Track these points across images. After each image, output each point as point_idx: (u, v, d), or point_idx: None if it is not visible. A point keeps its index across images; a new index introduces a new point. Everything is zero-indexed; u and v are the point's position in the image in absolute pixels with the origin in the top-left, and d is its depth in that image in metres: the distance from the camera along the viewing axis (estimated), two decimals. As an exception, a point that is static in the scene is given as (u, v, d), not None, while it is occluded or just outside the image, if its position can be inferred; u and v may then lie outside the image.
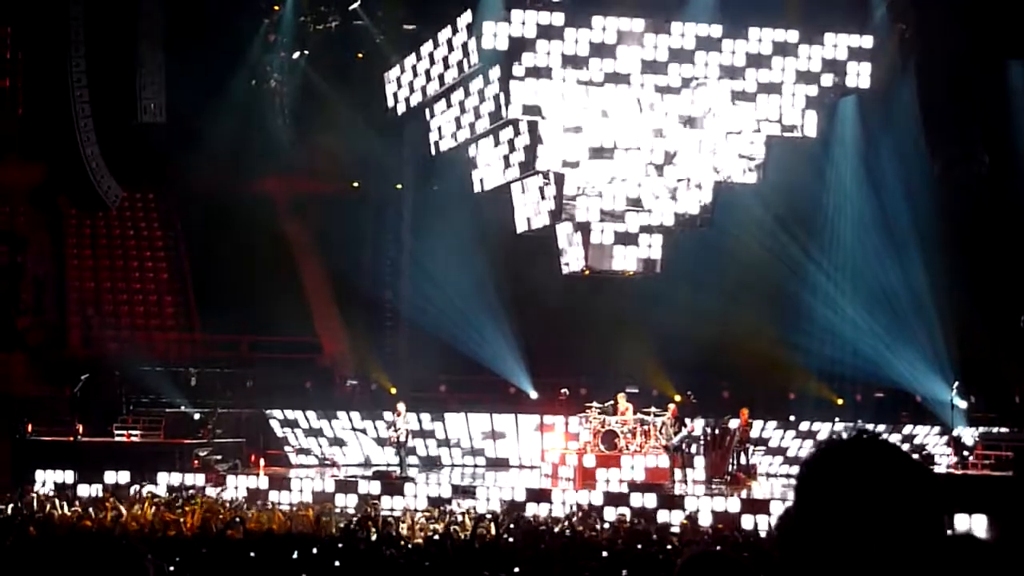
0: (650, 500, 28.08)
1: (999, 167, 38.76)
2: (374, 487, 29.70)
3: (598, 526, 25.03)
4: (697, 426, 32.94)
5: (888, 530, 3.19)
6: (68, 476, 30.23)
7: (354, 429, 36.28)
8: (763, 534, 24.84)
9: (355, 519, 24.16)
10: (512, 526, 23.15)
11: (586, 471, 31.64)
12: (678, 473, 32.02)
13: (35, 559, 3.54)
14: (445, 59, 32.94)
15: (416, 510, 27.54)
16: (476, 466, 36.52)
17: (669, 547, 20.13)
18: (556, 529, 23.53)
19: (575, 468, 32.00)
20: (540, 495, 28.92)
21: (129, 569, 3.53)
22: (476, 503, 28.44)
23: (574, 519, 25.79)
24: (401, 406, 33.64)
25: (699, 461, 33.52)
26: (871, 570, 3.18)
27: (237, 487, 29.89)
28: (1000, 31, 35.89)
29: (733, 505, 27.87)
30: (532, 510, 27.52)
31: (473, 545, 18.79)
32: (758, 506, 27.74)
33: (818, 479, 3.31)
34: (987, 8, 35.18)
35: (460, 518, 24.92)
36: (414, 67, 34.81)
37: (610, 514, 27.41)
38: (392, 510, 27.64)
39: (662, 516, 27.37)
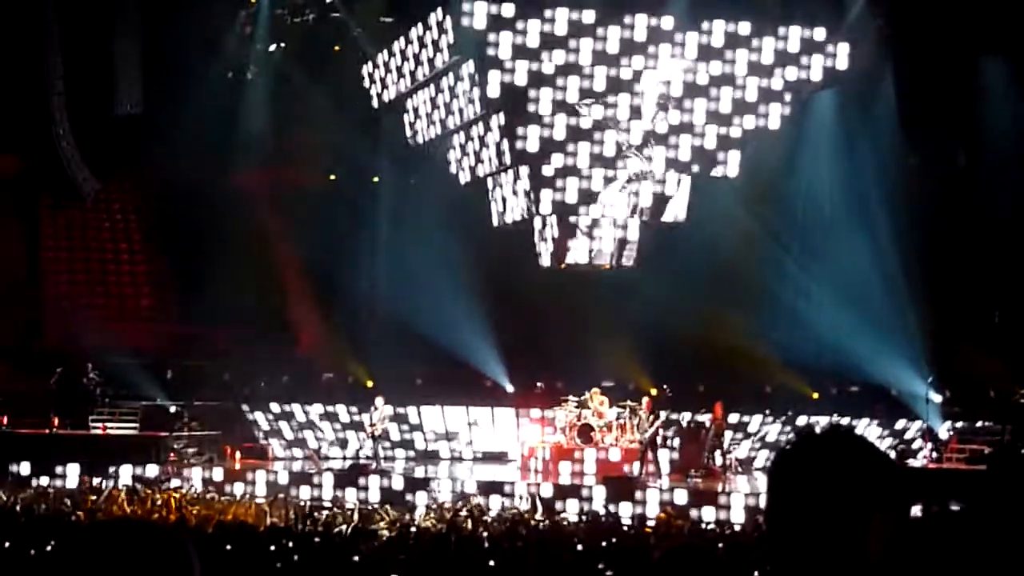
0: (624, 492, 28.12)
1: (975, 162, 38.92)
2: (352, 480, 29.70)
3: (572, 519, 25.08)
4: (665, 418, 32.80)
5: (855, 521, 3.23)
6: (44, 469, 30.09)
7: (326, 419, 36.22)
8: (737, 527, 24.94)
9: (331, 512, 24.19)
10: (488, 519, 23.19)
11: (558, 464, 31.72)
12: (651, 466, 32.04)
13: (79, 546, 3.56)
14: (423, 51, 33.00)
15: (393, 503, 27.58)
16: (451, 459, 36.51)
17: (644, 540, 20.20)
18: (532, 522, 23.57)
19: (547, 461, 32.07)
20: (515, 488, 28.94)
21: (175, 557, 3.55)
22: (452, 496, 28.45)
23: (548, 512, 25.85)
24: (379, 400, 33.63)
25: (673, 454, 33.63)
26: (840, 560, 3.22)
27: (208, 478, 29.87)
28: (976, 27, 36.01)
29: (708, 498, 27.92)
30: (508, 503, 27.54)
31: (449, 538, 18.81)
32: (732, 499, 27.79)
33: (788, 472, 3.35)
34: (963, 4, 35.30)
35: (436, 511, 24.95)
36: (392, 60, 34.86)
37: (582, 506, 27.47)
38: (368, 503, 27.65)
39: (637, 509, 27.41)
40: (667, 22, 31.77)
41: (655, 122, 32.26)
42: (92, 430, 33.45)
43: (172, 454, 32.03)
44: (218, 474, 30.37)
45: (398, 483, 29.60)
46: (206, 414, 35.02)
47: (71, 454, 30.52)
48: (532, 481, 30.00)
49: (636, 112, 32.11)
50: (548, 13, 31.29)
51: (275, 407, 35.91)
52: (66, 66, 37.22)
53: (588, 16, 31.43)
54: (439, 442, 37.03)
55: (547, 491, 28.38)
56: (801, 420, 35.83)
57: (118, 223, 43.33)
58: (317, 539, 17.88)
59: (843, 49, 32.66)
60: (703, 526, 25.26)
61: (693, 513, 27.13)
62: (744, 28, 32.07)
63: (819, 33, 32.44)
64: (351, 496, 28.73)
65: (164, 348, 38.78)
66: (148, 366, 36.42)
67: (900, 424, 36.18)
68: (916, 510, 3.39)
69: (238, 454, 33.60)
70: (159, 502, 24.99)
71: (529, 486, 28.86)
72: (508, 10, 31.22)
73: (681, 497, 27.94)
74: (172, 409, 34.58)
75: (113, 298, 41.49)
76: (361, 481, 29.58)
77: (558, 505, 27.61)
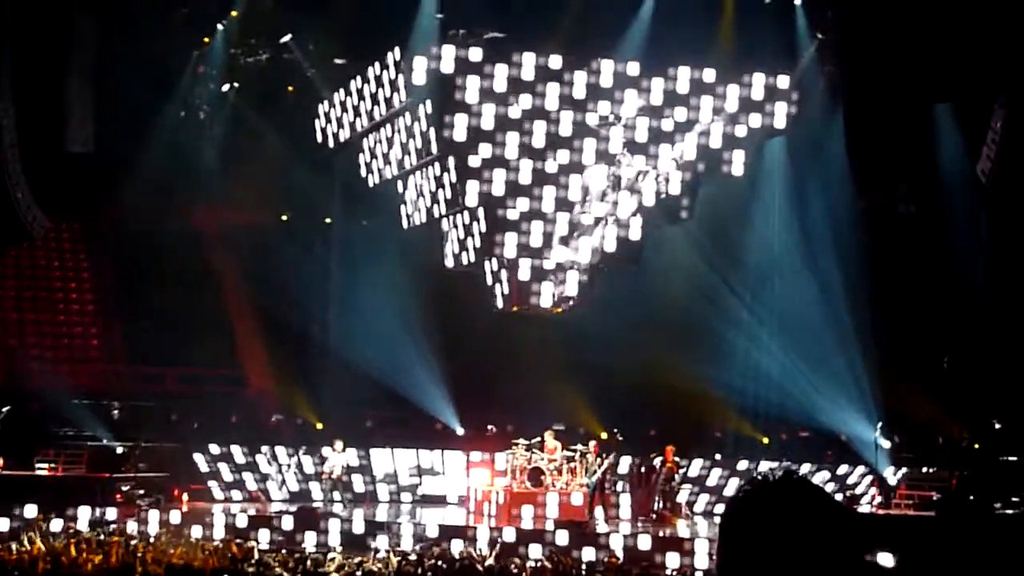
0: (572, 537, 28.00)
1: (925, 209, 39.20)
2: (298, 523, 29.45)
3: (518, 561, 24.95)
4: (622, 462, 32.78)
5: (809, 569, 3.19)
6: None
7: (279, 464, 36.00)
8: (686, 572, 24.90)
9: (275, 556, 23.99)
10: (436, 563, 23.05)
11: (510, 507, 31.59)
12: (599, 511, 31.97)
13: None
14: (376, 94, 33.03)
15: (340, 546, 27.39)
16: (400, 502, 36.33)
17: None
18: (479, 567, 23.43)
19: (499, 505, 31.94)
20: (464, 532, 28.78)
21: None
22: (400, 539, 28.27)
23: (498, 556, 25.71)
24: (339, 443, 33.63)
25: (624, 499, 33.59)
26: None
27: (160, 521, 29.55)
28: (926, 75, 36.32)
29: (657, 543, 27.84)
30: (456, 547, 27.37)
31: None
32: (682, 544, 27.75)
33: (742, 519, 3.31)
34: (914, 52, 35.62)
35: (383, 555, 24.79)
36: (345, 101, 34.88)
37: (533, 551, 27.32)
38: (317, 546, 27.44)
39: (585, 554, 27.28)
40: (633, 68, 31.93)
41: (619, 167, 32.32)
42: (37, 471, 33.09)
43: (119, 495, 31.70)
44: (173, 517, 30.05)
45: (348, 527, 29.38)
46: (153, 455, 34.71)
47: (15, 495, 30.10)
48: (481, 525, 29.89)
49: (602, 156, 32.16)
50: (515, 57, 31.40)
51: (219, 449, 35.60)
52: (17, 104, 37.02)
53: (555, 61, 31.54)
54: (388, 485, 36.83)
55: (495, 535, 28.26)
56: (747, 465, 35.85)
57: (67, 262, 43.06)
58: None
59: (794, 96, 32.82)
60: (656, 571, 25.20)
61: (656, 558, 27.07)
62: (709, 75, 32.26)
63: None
64: (299, 540, 28.50)
65: (112, 388, 38.47)
66: (95, 406, 36.10)
67: (849, 469, 36.25)
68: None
69: (185, 496, 33.31)
70: (106, 545, 24.71)
71: (485, 530, 28.73)
72: (476, 55, 31.31)
73: (645, 542, 27.88)
74: (119, 450, 34.24)
75: (61, 338, 41.18)
76: (310, 524, 29.35)
77: (509, 548, 27.46)
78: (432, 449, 36.96)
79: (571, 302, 32.77)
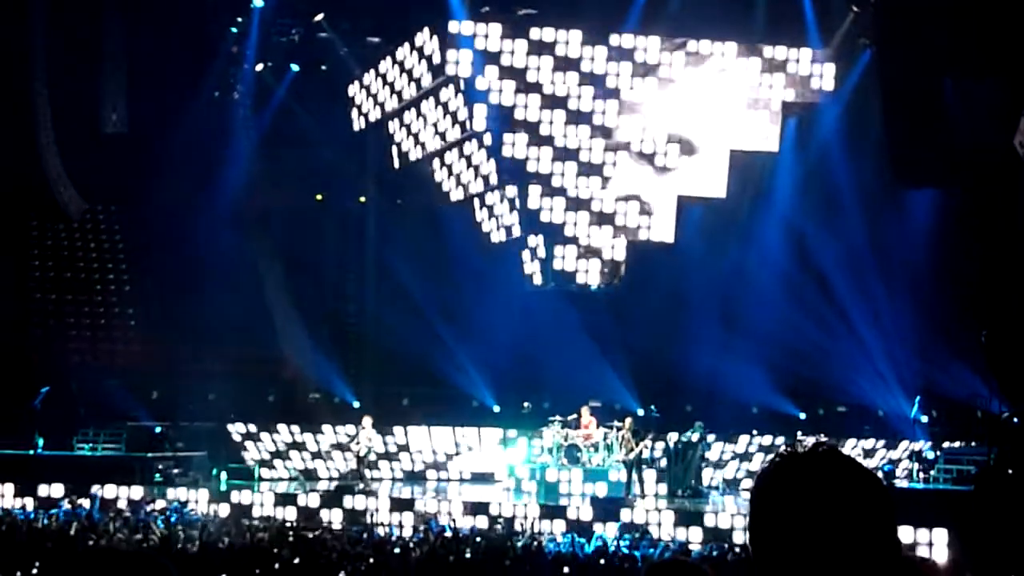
0: (609, 514, 28.01)
1: (961, 181, 38.88)
2: (337, 500, 29.54)
3: (559, 540, 24.99)
4: (650, 441, 32.77)
5: (841, 541, 3.17)
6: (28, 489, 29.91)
7: (317, 443, 36.09)
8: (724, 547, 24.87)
9: (315, 534, 24.08)
10: (476, 540, 23.10)
11: (548, 485, 31.62)
12: (635, 487, 31.93)
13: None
14: (410, 72, 33.03)
15: (378, 524, 27.46)
16: (438, 480, 36.37)
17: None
18: (519, 544, 23.48)
19: (537, 482, 31.98)
20: (502, 509, 28.80)
21: None
22: (438, 517, 28.30)
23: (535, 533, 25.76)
24: (367, 420, 33.56)
25: (661, 475, 33.57)
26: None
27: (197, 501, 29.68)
28: (964, 47, 35.94)
29: (695, 518, 27.82)
30: (495, 524, 27.41)
31: (434, 560, 18.74)
32: (719, 519, 27.71)
33: (772, 491, 3.29)
34: (951, 24, 35.25)
35: (423, 534, 24.85)
36: (378, 79, 34.87)
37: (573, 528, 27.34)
38: (353, 525, 27.51)
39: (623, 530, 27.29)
40: (653, 43, 31.95)
41: (641, 142, 32.34)
42: (77, 451, 33.28)
43: (158, 474, 31.85)
44: (203, 496, 30.14)
45: (384, 504, 29.45)
46: (192, 434, 34.86)
47: (55, 475, 30.29)
48: (519, 502, 29.91)
49: (625, 132, 32.18)
50: (535, 35, 31.40)
51: (260, 427, 35.74)
52: (52, 86, 37.16)
53: (575, 36, 31.57)
54: (425, 462, 36.85)
55: (533, 512, 28.29)
56: (783, 440, 35.76)
57: (103, 243, 43.20)
58: (298, 560, 17.79)
59: (829, 70, 32.72)
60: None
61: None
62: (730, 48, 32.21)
63: (805, 54, 32.58)
64: (337, 518, 28.59)
65: (149, 368, 38.62)
66: (133, 386, 36.27)
67: (886, 444, 36.11)
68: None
69: (224, 474, 33.43)
70: (145, 523, 24.86)
71: (516, 508, 28.76)
72: (495, 31, 31.33)
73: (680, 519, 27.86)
74: (157, 430, 34.41)
75: (99, 318, 41.35)
76: (347, 502, 29.43)
77: (547, 526, 27.51)
78: (468, 426, 36.93)
79: (607, 278, 32.79)
